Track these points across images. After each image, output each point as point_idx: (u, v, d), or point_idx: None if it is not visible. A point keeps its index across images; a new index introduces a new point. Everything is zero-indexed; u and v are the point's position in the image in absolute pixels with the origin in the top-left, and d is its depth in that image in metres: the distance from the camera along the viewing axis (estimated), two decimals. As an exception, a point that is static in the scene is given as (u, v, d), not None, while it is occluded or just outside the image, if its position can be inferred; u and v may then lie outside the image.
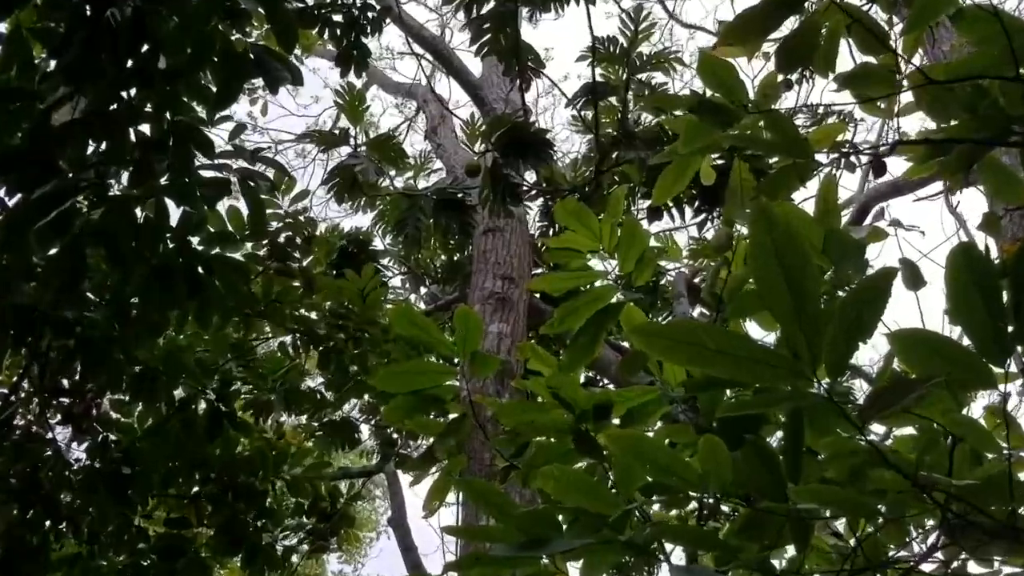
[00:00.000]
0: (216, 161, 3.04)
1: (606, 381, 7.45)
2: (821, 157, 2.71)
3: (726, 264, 2.52)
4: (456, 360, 2.60)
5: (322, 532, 5.06)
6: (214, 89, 2.82)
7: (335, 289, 4.78)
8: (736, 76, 2.38)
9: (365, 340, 4.82)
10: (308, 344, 4.86)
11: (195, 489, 4.57)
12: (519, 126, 5.68)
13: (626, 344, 7.04)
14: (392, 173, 7.87)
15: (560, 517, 1.93)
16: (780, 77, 2.75)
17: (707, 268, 7.75)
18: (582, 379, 3.20)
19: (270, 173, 3.54)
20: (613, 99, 7.10)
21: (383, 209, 7.93)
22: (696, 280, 7.67)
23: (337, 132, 6.53)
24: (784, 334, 1.51)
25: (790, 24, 2.50)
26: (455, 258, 8.53)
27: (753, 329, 2.44)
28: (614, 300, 2.56)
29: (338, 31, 5.01)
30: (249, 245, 4.39)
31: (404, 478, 8.68)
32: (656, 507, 2.18)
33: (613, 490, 1.96)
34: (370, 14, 5.01)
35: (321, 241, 5.16)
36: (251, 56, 2.78)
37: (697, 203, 6.56)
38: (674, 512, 2.35)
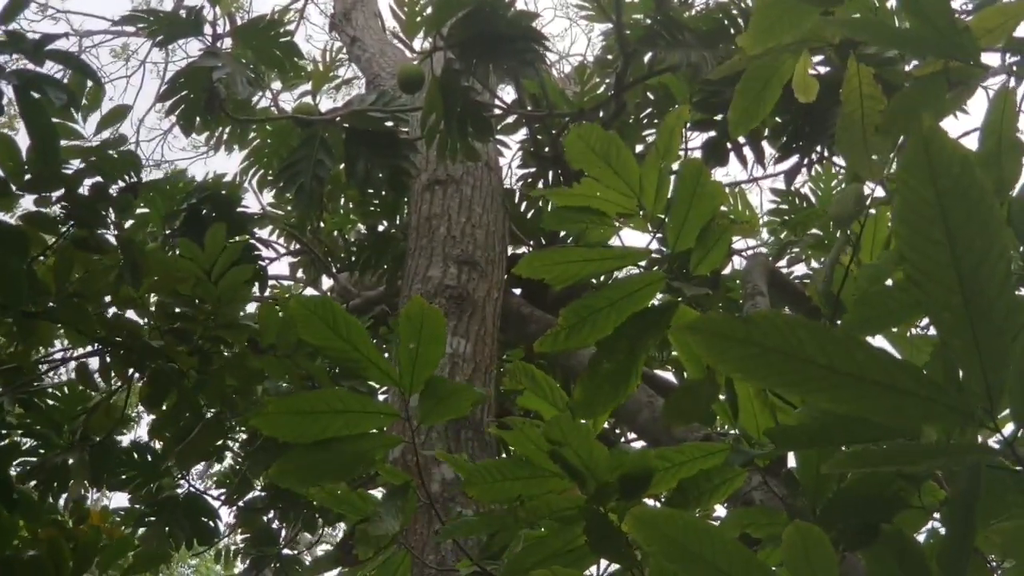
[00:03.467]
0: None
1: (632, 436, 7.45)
2: (991, 58, 2.71)
3: (850, 245, 2.52)
4: (396, 392, 2.59)
5: None
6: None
7: (170, 271, 4.74)
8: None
9: (220, 355, 4.78)
10: (128, 364, 4.81)
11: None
12: (489, 9, 5.66)
13: (669, 375, 7.04)
14: (276, 85, 7.82)
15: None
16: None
17: (802, 247, 7.78)
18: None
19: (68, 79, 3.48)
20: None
21: (261, 145, 7.88)
22: (783, 268, 7.69)
23: (183, 13, 6.45)
24: (947, 350, 1.50)
25: None
26: (380, 228, 8.49)
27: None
28: (660, 299, 2.54)
29: None
30: (31, 199, 4.33)
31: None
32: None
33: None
34: None
35: (155, 192, 5.11)
36: None
37: (785, 137, 6.56)
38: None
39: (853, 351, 1.48)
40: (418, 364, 2.55)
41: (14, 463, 4.73)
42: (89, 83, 4.32)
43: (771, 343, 1.49)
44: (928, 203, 1.38)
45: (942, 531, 2.04)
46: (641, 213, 2.60)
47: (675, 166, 2.72)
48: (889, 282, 2.62)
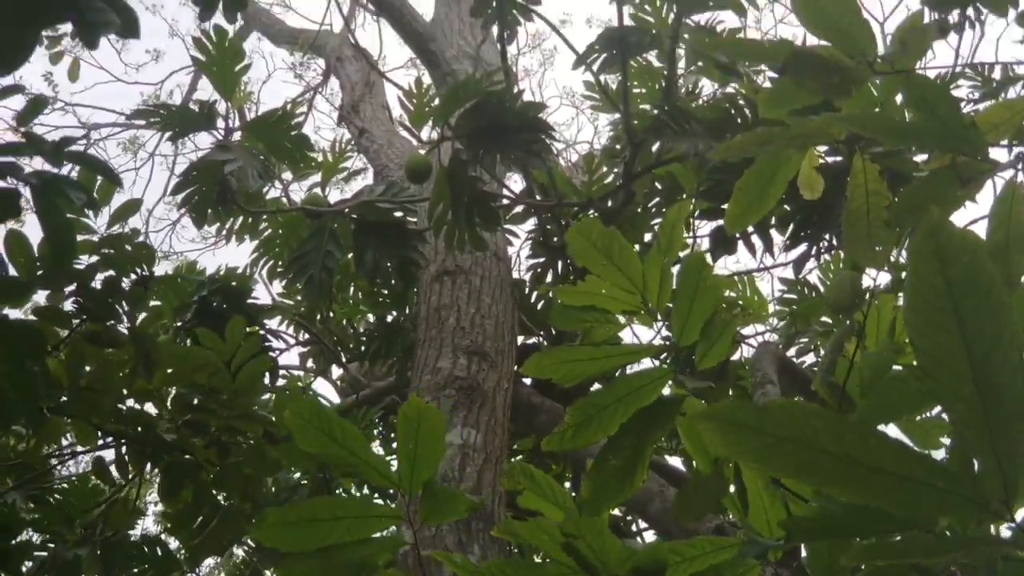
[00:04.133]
0: (-5, 160, 3.01)
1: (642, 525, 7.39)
2: (999, 153, 2.72)
3: (853, 333, 2.53)
4: (398, 494, 2.58)
5: None
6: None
7: (188, 363, 4.74)
8: (857, 13, 2.40)
9: (238, 446, 4.77)
10: (143, 458, 4.80)
11: None
12: (496, 100, 5.71)
13: (679, 463, 7.01)
14: (287, 176, 7.86)
15: None
16: (928, 16, 2.78)
17: (812, 336, 7.77)
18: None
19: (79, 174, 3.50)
20: (652, 55, 7.17)
21: (271, 236, 7.92)
22: (792, 355, 7.67)
23: (196, 107, 6.50)
24: (961, 440, 1.49)
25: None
26: (389, 319, 8.50)
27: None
28: (666, 392, 2.54)
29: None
30: (43, 293, 4.34)
31: None
32: None
33: None
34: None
35: (167, 285, 5.12)
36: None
37: (792, 225, 6.58)
38: None
39: (868, 441, 1.48)
40: (417, 465, 2.54)
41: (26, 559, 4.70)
42: (107, 183, 4.35)
43: (786, 432, 1.48)
44: (938, 292, 1.39)
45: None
46: (645, 308, 2.61)
47: (682, 254, 2.74)
48: (898, 368, 2.61)
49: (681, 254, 2.77)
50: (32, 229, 3.89)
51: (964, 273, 1.37)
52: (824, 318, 7.78)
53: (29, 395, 3.42)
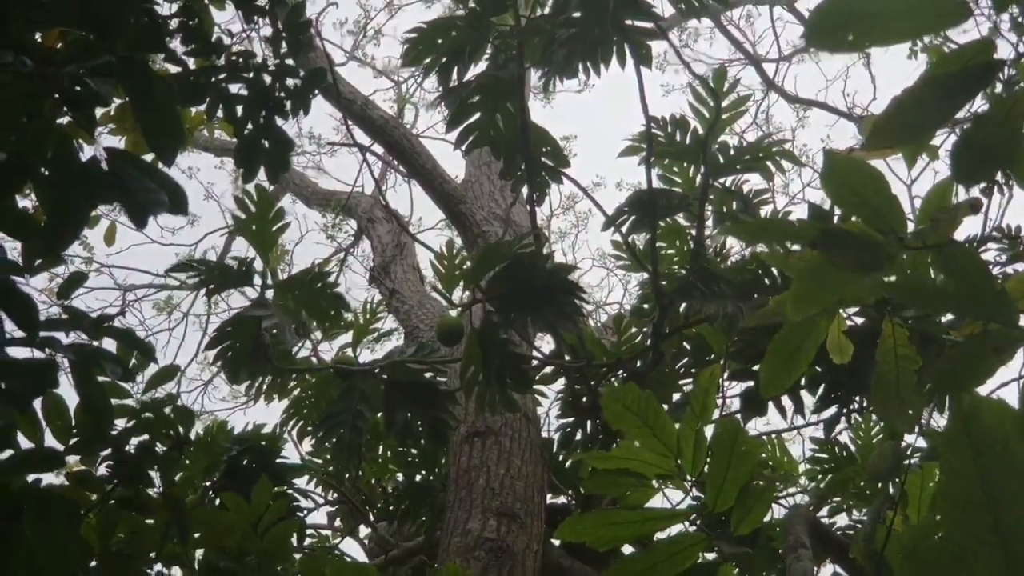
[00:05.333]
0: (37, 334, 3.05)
1: None
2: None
3: (892, 504, 2.52)
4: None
5: None
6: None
7: (218, 527, 4.73)
8: (886, 189, 2.44)
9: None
10: (172, 623, 4.76)
11: None
12: (526, 262, 5.76)
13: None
14: (317, 335, 7.91)
15: None
16: (960, 192, 2.82)
17: (845, 499, 7.69)
18: None
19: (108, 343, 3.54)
20: (681, 217, 7.25)
21: (300, 395, 7.94)
22: (823, 514, 7.59)
23: (234, 265, 6.58)
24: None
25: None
26: (419, 479, 8.47)
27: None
28: (701, 559, 2.53)
29: (239, 109, 5.14)
30: (75, 458, 4.35)
31: None
32: None
33: None
34: (291, 82, 5.16)
35: (199, 447, 5.12)
36: (102, 167, 2.83)
37: (822, 387, 6.57)
38: None
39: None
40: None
41: None
42: (144, 359, 4.39)
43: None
44: (972, 480, 1.39)
45: None
46: (679, 472, 2.62)
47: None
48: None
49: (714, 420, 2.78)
50: (67, 390, 3.94)
51: (998, 461, 1.38)
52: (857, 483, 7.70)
53: (62, 564, 3.42)
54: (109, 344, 3.68)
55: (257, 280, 6.49)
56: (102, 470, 4.54)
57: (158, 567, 4.69)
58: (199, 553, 4.91)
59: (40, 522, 3.24)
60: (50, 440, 4.13)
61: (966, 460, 1.40)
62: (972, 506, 1.41)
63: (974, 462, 1.39)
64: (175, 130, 2.90)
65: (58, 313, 3.42)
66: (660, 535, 2.86)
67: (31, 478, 3.41)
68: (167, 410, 4.84)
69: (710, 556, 4.37)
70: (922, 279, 2.51)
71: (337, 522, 9.49)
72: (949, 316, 4.44)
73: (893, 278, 2.43)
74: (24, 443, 3.67)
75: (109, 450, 4.51)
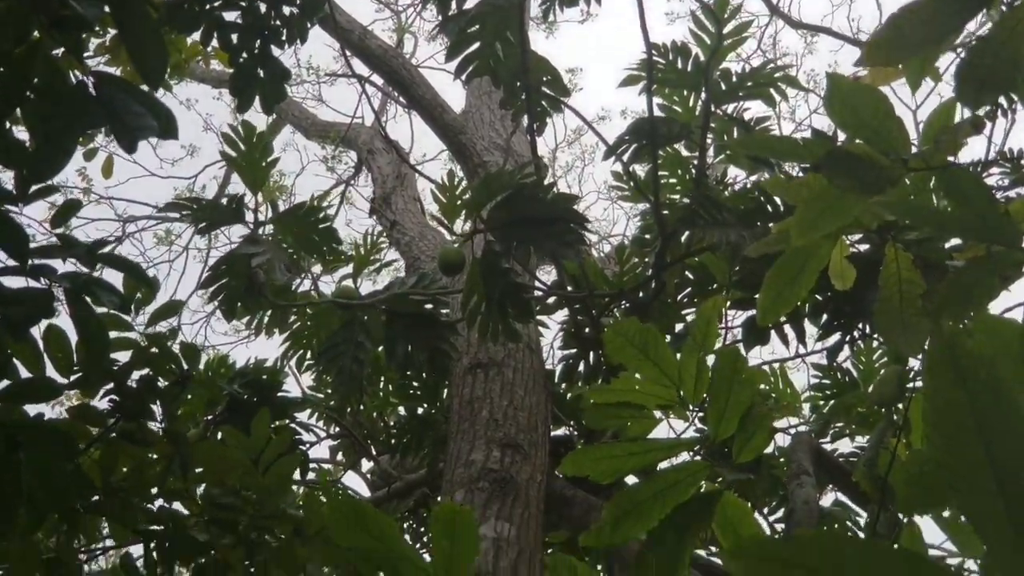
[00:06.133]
0: (30, 262, 3.04)
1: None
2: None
3: (895, 428, 2.51)
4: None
5: None
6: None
7: (220, 463, 4.73)
8: (890, 112, 2.42)
9: (267, 545, 4.73)
10: (171, 557, 4.77)
11: None
12: (528, 192, 5.73)
13: (716, 559, 6.93)
14: (316, 269, 7.90)
15: None
16: (963, 112, 2.79)
17: (848, 426, 7.71)
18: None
19: (114, 278, 3.53)
20: (682, 146, 7.21)
21: (300, 328, 7.94)
22: (827, 443, 7.61)
23: (226, 202, 6.56)
24: (992, 558, 1.47)
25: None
26: (420, 411, 8.49)
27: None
28: (703, 487, 2.52)
29: (233, 38, 5.09)
30: (75, 392, 4.35)
31: None
32: None
33: None
34: (287, 9, 5.10)
35: (200, 382, 5.12)
36: (92, 92, 2.80)
37: (825, 315, 6.56)
38: None
39: (902, 566, 1.45)
40: (452, 562, 2.51)
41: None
42: (141, 287, 4.38)
43: (817, 564, 1.46)
44: (959, 407, 1.37)
45: None
46: (681, 402, 2.60)
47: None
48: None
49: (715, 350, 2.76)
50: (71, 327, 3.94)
51: (984, 385, 1.36)
52: (860, 408, 7.72)
53: (61, 496, 3.43)
54: (115, 280, 3.69)
55: (249, 217, 6.48)
56: (104, 404, 4.54)
57: (160, 502, 4.70)
58: (201, 489, 4.93)
59: (36, 454, 3.24)
60: (52, 376, 4.13)
61: (951, 387, 1.38)
62: (961, 433, 1.39)
63: (960, 387, 1.37)
64: (160, 51, 2.86)
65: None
66: (663, 466, 2.85)
67: (33, 414, 3.40)
68: (174, 346, 4.83)
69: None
70: (925, 203, 2.47)
71: (339, 456, 9.53)
72: (953, 242, 4.43)
73: (896, 201, 2.41)
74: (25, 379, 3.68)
75: (111, 384, 4.51)
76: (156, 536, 4.71)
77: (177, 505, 4.83)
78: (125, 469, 4.49)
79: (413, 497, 7.98)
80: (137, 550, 5.05)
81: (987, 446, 1.39)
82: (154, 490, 4.65)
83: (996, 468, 1.39)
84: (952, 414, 1.40)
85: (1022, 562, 1.41)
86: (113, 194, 17.74)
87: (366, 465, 9.27)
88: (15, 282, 3.09)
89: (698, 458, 2.66)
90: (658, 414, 2.83)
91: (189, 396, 6.02)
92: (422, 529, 8.44)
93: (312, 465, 8.78)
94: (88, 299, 3.14)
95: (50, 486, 3.28)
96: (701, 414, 2.64)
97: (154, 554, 4.79)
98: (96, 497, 4.37)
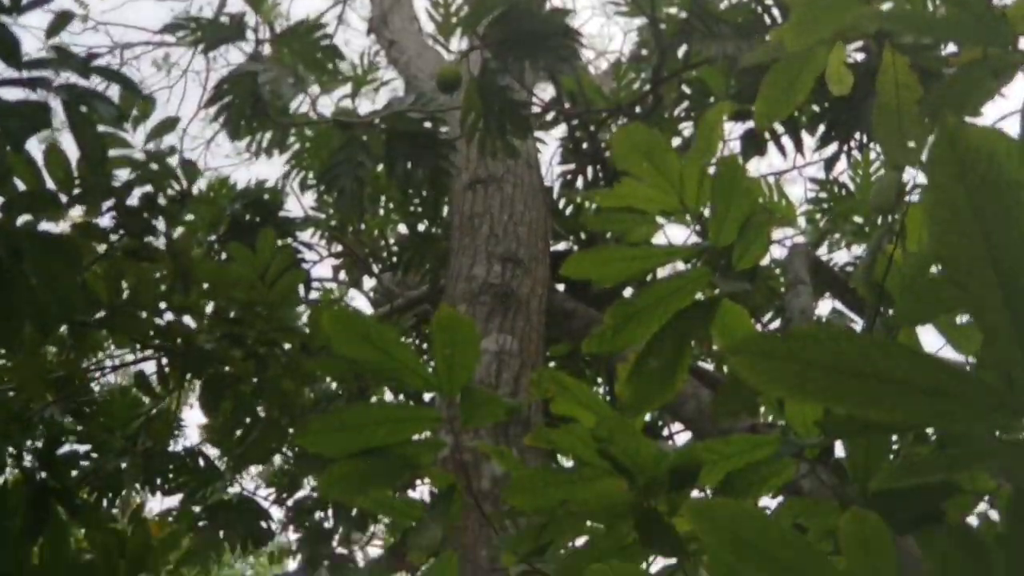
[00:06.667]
0: (25, 74, 3.02)
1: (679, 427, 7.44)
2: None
3: (892, 235, 2.51)
4: (435, 398, 2.59)
5: None
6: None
7: (224, 277, 4.76)
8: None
9: (276, 359, 4.80)
10: (183, 371, 4.84)
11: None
12: (523, 8, 5.66)
13: (711, 367, 7.03)
14: (316, 89, 7.82)
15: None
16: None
17: (842, 234, 7.74)
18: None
19: (113, 93, 3.51)
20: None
21: (301, 149, 7.91)
22: (824, 255, 7.66)
23: (226, 21, 6.47)
24: (991, 347, 1.48)
25: None
26: (421, 228, 8.51)
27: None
28: (702, 294, 2.54)
29: None
30: (81, 210, 4.35)
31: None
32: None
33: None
34: None
35: (202, 201, 5.12)
36: None
37: (823, 126, 6.54)
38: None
39: (896, 358, 1.46)
40: (454, 369, 2.53)
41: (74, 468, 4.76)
42: (134, 97, 4.34)
43: (813, 357, 1.47)
44: (959, 200, 1.37)
45: (994, 516, 2.02)
46: (682, 208, 2.60)
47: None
48: (935, 270, 2.60)
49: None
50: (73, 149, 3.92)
51: (985, 179, 1.36)
52: (856, 218, 7.75)
53: (64, 303, 3.45)
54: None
55: (251, 35, 6.40)
56: (106, 221, 4.55)
57: (168, 316, 4.74)
58: (210, 308, 4.96)
59: (41, 261, 3.25)
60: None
61: (953, 179, 1.38)
62: (961, 225, 1.39)
63: (961, 181, 1.37)
64: None
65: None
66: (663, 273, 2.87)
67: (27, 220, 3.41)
68: (173, 163, 4.82)
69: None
70: (922, 9, 2.45)
71: (342, 274, 9.57)
72: (950, 48, 4.38)
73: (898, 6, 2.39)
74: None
75: (112, 201, 4.51)
76: (166, 350, 4.77)
77: (188, 320, 4.88)
78: (129, 284, 4.51)
79: (415, 313, 8.04)
80: (149, 366, 5.14)
81: (987, 237, 1.39)
82: (163, 305, 4.68)
83: (996, 258, 1.40)
84: (952, 206, 1.40)
85: (1018, 347, 1.42)
86: (109, 19, 17.45)
87: (368, 283, 9.31)
88: (12, 94, 3.08)
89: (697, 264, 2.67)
90: (660, 220, 2.82)
91: (191, 216, 6.03)
92: (424, 346, 8.53)
93: (315, 284, 8.84)
94: (85, 109, 3.11)
95: (55, 292, 3.30)
96: (699, 227, 2.64)
97: (166, 368, 4.86)
98: (103, 313, 4.41)
